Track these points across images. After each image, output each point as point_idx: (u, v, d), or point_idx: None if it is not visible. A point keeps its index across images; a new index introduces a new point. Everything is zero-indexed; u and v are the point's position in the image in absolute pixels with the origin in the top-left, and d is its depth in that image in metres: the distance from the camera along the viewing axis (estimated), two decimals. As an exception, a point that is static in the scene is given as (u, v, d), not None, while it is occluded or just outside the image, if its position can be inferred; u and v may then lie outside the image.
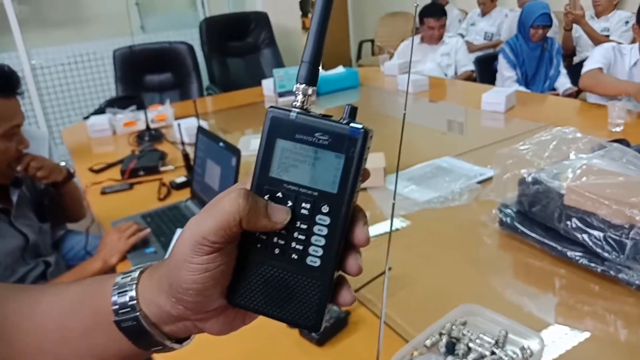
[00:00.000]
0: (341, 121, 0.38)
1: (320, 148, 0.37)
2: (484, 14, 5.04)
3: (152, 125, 2.35)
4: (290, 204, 0.38)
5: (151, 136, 2.28)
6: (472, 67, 3.68)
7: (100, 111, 2.68)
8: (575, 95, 3.16)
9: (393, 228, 1.34)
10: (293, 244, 0.39)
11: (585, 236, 1.08)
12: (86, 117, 2.70)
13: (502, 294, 1.14)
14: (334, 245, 0.38)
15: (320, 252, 0.38)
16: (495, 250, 1.28)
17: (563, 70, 3.28)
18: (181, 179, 1.75)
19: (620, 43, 2.65)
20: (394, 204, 1.32)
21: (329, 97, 2.89)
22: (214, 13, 4.38)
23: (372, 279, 1.08)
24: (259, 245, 0.39)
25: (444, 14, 3.74)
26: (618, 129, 1.92)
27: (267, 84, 2.98)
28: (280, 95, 2.82)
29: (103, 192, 1.78)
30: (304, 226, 0.38)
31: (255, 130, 2.59)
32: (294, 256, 0.39)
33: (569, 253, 1.11)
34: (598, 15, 4.10)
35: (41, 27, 3.92)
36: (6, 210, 1.41)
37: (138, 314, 0.40)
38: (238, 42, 4.03)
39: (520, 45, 3.27)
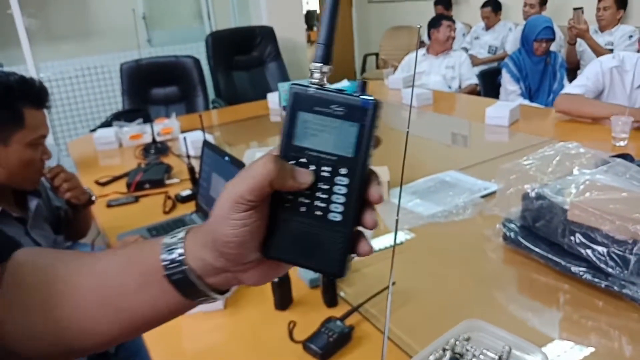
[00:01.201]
0: (354, 94, 0.43)
1: (337, 118, 0.43)
2: (488, 27, 5.07)
3: (158, 139, 2.37)
4: (313, 167, 0.43)
5: (157, 149, 2.30)
6: (476, 80, 3.70)
7: (107, 124, 2.71)
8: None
9: (397, 242, 1.34)
10: (317, 202, 0.44)
11: (589, 251, 1.08)
12: (93, 130, 2.72)
13: (506, 309, 1.14)
14: (352, 202, 0.43)
15: (340, 208, 0.43)
16: (499, 265, 1.29)
17: (567, 84, 3.29)
18: (186, 192, 1.76)
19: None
20: (397, 219, 1.33)
21: (334, 111, 2.90)
22: (220, 27, 4.43)
23: (376, 294, 1.08)
24: (287, 205, 0.44)
25: (454, 21, 3.88)
26: (622, 144, 1.92)
27: (273, 98, 3.00)
28: (285, 108, 2.84)
29: (109, 205, 1.79)
30: (325, 187, 0.43)
31: (261, 144, 2.61)
32: (318, 213, 0.44)
33: (573, 268, 1.11)
34: (602, 29, 4.11)
35: (49, 40, 3.97)
36: (23, 220, 1.42)
37: (186, 267, 0.45)
38: (244, 55, 4.07)
39: (524, 59, 3.28)
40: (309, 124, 0.43)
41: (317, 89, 0.43)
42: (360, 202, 0.43)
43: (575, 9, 3.83)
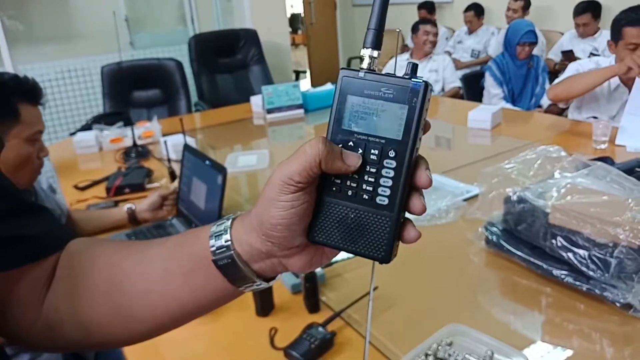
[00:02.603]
0: (404, 77, 0.42)
1: (386, 101, 0.42)
2: (470, 31, 5.12)
3: (139, 142, 2.33)
4: (360, 150, 0.43)
5: (138, 153, 2.26)
6: (459, 84, 3.72)
7: (87, 127, 2.67)
8: (560, 112, 3.20)
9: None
10: (364, 186, 0.43)
11: (570, 255, 1.08)
12: (73, 134, 2.68)
13: (489, 312, 1.14)
14: (400, 186, 0.42)
15: (388, 192, 0.43)
16: (482, 269, 1.28)
17: (549, 88, 3.32)
18: (167, 197, 1.74)
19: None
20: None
21: (318, 114, 2.90)
22: (204, 30, 4.40)
23: (358, 299, 1.07)
24: (334, 189, 0.44)
25: (436, 25, 3.85)
26: (603, 146, 1.94)
27: (256, 101, 2.98)
28: (269, 111, 2.83)
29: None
30: (373, 170, 0.43)
31: (244, 147, 2.59)
32: (365, 196, 0.43)
33: (555, 271, 1.11)
34: (582, 36, 4.17)
35: (29, 42, 3.90)
36: None
37: (232, 252, 0.46)
38: (227, 58, 4.05)
39: (507, 63, 3.31)
40: (358, 108, 0.43)
41: (367, 72, 0.43)
42: (408, 186, 0.43)
43: (564, 52, 4.08)
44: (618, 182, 1.16)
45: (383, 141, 0.43)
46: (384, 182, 0.43)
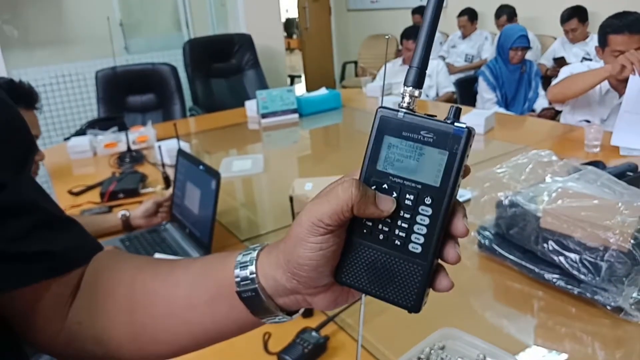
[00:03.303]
0: (446, 121, 0.40)
1: (425, 145, 0.40)
2: (464, 36, 5.15)
3: (133, 147, 2.34)
4: (395, 194, 0.41)
5: (132, 158, 2.26)
6: (452, 88, 3.74)
7: (81, 132, 2.67)
8: (553, 116, 3.22)
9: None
10: (396, 231, 0.42)
11: (561, 258, 1.09)
12: (67, 139, 2.68)
13: (482, 316, 1.14)
14: (435, 234, 0.41)
15: (421, 239, 0.41)
16: (475, 272, 1.29)
17: (542, 92, 3.35)
18: (161, 202, 1.74)
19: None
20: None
21: (312, 119, 2.90)
22: (198, 35, 4.41)
23: (351, 303, 1.07)
24: (365, 231, 0.43)
25: None
26: (595, 150, 1.96)
27: (250, 105, 2.99)
28: (263, 116, 2.83)
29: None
30: (407, 215, 0.41)
31: (239, 152, 2.60)
32: (397, 242, 0.42)
33: (546, 275, 1.12)
34: (572, 41, 4.20)
35: (23, 47, 3.90)
36: None
37: (257, 286, 0.45)
38: (222, 63, 4.05)
39: (500, 68, 3.33)
40: (395, 149, 0.41)
41: (406, 113, 0.41)
42: (443, 234, 0.41)
43: (555, 59, 4.13)
44: (608, 186, 1.17)
45: (419, 186, 0.41)
46: (418, 229, 0.41)
